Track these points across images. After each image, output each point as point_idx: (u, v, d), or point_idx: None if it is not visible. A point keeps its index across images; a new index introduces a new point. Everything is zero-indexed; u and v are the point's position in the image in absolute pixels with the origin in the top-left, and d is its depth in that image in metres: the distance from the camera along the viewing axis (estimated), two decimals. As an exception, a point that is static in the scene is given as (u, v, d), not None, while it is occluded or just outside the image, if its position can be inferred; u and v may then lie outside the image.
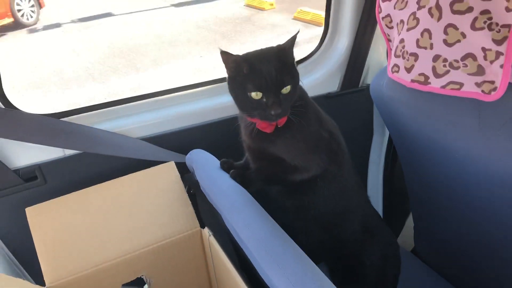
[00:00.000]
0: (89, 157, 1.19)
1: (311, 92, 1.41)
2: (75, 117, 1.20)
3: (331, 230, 1.11)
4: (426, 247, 1.43)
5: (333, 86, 1.44)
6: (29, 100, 4.46)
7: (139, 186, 1.19)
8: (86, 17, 7.00)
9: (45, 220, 1.10)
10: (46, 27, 6.65)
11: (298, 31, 0.93)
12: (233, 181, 1.01)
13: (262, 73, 0.87)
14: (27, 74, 5.08)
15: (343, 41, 1.38)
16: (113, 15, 7.09)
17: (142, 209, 1.16)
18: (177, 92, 1.31)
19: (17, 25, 6.50)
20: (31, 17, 6.64)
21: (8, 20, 6.43)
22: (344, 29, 1.36)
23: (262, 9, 6.55)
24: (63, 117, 1.19)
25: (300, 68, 1.42)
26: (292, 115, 0.93)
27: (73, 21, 6.88)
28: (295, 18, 5.81)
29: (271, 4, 6.57)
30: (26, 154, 1.15)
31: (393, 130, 1.21)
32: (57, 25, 6.72)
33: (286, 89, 0.88)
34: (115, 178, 1.18)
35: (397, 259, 1.20)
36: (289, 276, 0.73)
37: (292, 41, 0.91)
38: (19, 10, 6.47)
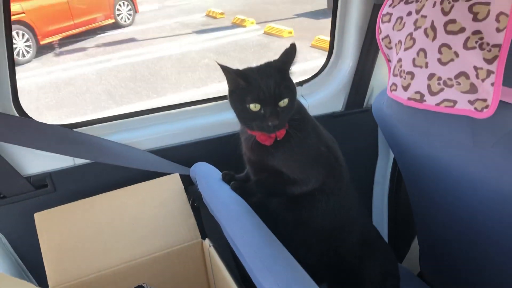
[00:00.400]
0: (97, 167, 1.24)
1: (316, 111, 1.45)
2: (87, 128, 1.26)
3: (330, 243, 1.13)
4: (432, 271, 1.41)
5: (338, 106, 1.47)
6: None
7: (144, 196, 1.22)
8: (108, 42, 7.26)
9: (52, 226, 1.14)
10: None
11: (294, 44, 0.97)
12: (233, 192, 1.04)
13: (260, 86, 0.90)
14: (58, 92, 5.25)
15: (347, 63, 1.42)
16: (136, 40, 7.32)
17: (145, 219, 1.19)
18: (183, 107, 1.36)
19: (116, 25, 7.94)
20: (128, 19, 8.15)
21: (111, 21, 7.93)
22: (348, 50, 1.40)
23: (280, 37, 6.67)
24: (75, 128, 1.24)
25: (305, 87, 1.46)
26: (290, 128, 0.97)
27: (97, 46, 7.14)
28: (312, 46, 5.89)
29: (290, 32, 6.69)
30: (38, 162, 1.21)
31: (395, 150, 1.22)
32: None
33: (284, 102, 0.92)
34: (122, 187, 1.23)
35: (396, 277, 1.20)
36: (279, 282, 0.75)
37: (288, 56, 0.95)
38: (118, 14, 8.04)
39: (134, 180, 1.24)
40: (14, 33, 4.81)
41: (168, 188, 1.24)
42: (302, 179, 1.02)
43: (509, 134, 0.83)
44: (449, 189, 1.06)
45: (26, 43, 6.44)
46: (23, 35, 6.38)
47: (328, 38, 1.66)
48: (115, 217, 1.18)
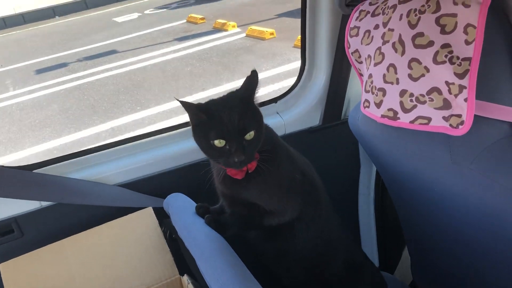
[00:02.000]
0: (66, 207, 1.18)
1: (293, 128, 1.40)
2: (49, 168, 1.20)
3: (314, 270, 1.08)
4: (424, 280, 1.38)
5: (315, 120, 1.43)
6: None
7: (116, 234, 1.17)
8: (90, 56, 7.20)
9: (20, 275, 1.08)
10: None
11: (255, 71, 0.91)
12: (207, 227, 0.99)
13: (223, 120, 0.85)
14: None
15: (321, 76, 1.37)
16: (117, 52, 7.25)
17: (119, 259, 1.14)
18: (153, 136, 1.30)
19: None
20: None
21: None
22: (320, 63, 1.36)
23: (263, 39, 6.61)
24: (37, 169, 1.18)
25: (280, 104, 1.41)
26: (261, 160, 0.91)
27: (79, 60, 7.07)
28: (295, 46, 5.85)
29: (272, 33, 6.64)
30: (1, 207, 1.14)
31: (376, 163, 1.19)
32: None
33: (250, 135, 0.86)
34: (94, 226, 1.17)
35: None
36: None
37: (251, 83, 0.89)
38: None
39: (107, 217, 1.18)
40: None
41: (141, 224, 1.18)
42: (278, 210, 0.98)
43: (487, 150, 0.79)
44: (432, 204, 1.02)
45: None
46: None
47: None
48: (87, 260, 1.13)
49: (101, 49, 7.59)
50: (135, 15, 9.95)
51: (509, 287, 0.99)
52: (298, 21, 1.33)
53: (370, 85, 0.96)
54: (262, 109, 1.37)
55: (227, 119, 0.85)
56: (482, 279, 1.06)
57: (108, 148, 1.26)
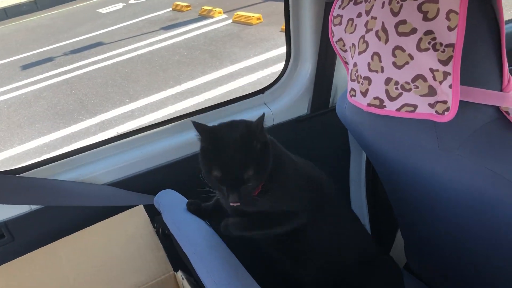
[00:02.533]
0: (56, 210, 1.17)
1: (281, 118, 1.39)
2: (36, 171, 1.18)
3: (330, 266, 1.10)
4: (418, 262, 1.39)
5: (303, 109, 1.42)
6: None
7: (108, 234, 1.16)
8: (75, 49, 7.10)
9: (13, 280, 1.08)
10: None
11: (262, 115, 0.88)
12: (198, 224, 0.99)
13: (223, 159, 0.83)
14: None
15: (307, 64, 1.36)
16: (103, 44, 7.16)
17: (113, 258, 1.14)
18: (141, 132, 1.28)
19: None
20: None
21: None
22: (306, 52, 1.34)
23: (250, 24, 6.55)
24: (23, 172, 1.17)
25: (267, 94, 1.40)
26: (267, 181, 0.91)
27: (65, 54, 6.98)
28: (283, 30, 5.80)
29: (259, 18, 6.57)
30: (-10, 213, 1.13)
31: (365, 151, 1.18)
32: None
33: (248, 181, 0.84)
34: (85, 227, 1.16)
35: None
36: None
37: (259, 123, 0.87)
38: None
39: (97, 218, 1.17)
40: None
41: (133, 222, 1.18)
42: (289, 218, 0.98)
43: (474, 135, 0.79)
44: (423, 190, 1.03)
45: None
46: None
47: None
48: (80, 262, 1.12)
49: (87, 41, 7.46)
50: (119, 5, 9.78)
51: (501, 268, 1.00)
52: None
53: (355, 74, 0.95)
54: (249, 101, 1.38)
55: (228, 160, 0.83)
56: (475, 261, 1.07)
57: (96, 148, 1.24)
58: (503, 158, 0.76)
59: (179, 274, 1.11)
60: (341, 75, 1.39)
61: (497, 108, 0.80)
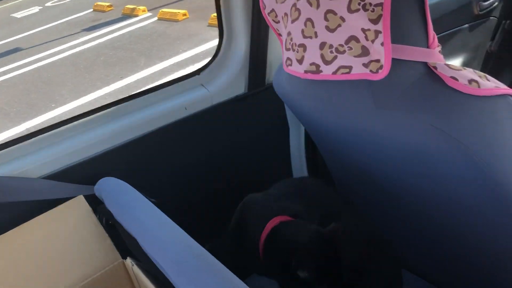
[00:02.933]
0: (-12, 207, 1.09)
1: (220, 98, 1.38)
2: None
3: None
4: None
5: (241, 88, 1.42)
6: None
7: (48, 228, 1.10)
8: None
9: None
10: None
11: None
12: (144, 205, 0.97)
13: None
14: None
15: (240, 42, 1.36)
16: (21, 49, 6.77)
17: (56, 253, 1.08)
18: (74, 121, 1.22)
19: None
20: None
21: None
22: (238, 29, 1.34)
23: (176, 21, 6.47)
24: None
25: (203, 75, 1.39)
26: None
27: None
28: (210, 25, 5.78)
29: (184, 14, 6.51)
30: None
31: (304, 122, 1.21)
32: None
33: None
34: (20, 224, 1.08)
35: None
36: None
37: None
38: None
39: (34, 213, 1.10)
40: None
41: (73, 214, 1.12)
42: None
43: (407, 90, 0.83)
44: (361, 152, 1.06)
45: None
46: None
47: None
48: (19, 261, 1.05)
49: (3, 48, 7.03)
50: (35, 9, 9.28)
51: (443, 223, 1.06)
52: (209, 0, 1.29)
53: (290, 43, 0.97)
54: (185, 82, 1.36)
55: None
56: (419, 223, 1.12)
57: (27, 140, 1.17)
58: (438, 110, 0.80)
59: (128, 261, 1.08)
60: (274, 52, 1.40)
61: (425, 64, 0.84)
